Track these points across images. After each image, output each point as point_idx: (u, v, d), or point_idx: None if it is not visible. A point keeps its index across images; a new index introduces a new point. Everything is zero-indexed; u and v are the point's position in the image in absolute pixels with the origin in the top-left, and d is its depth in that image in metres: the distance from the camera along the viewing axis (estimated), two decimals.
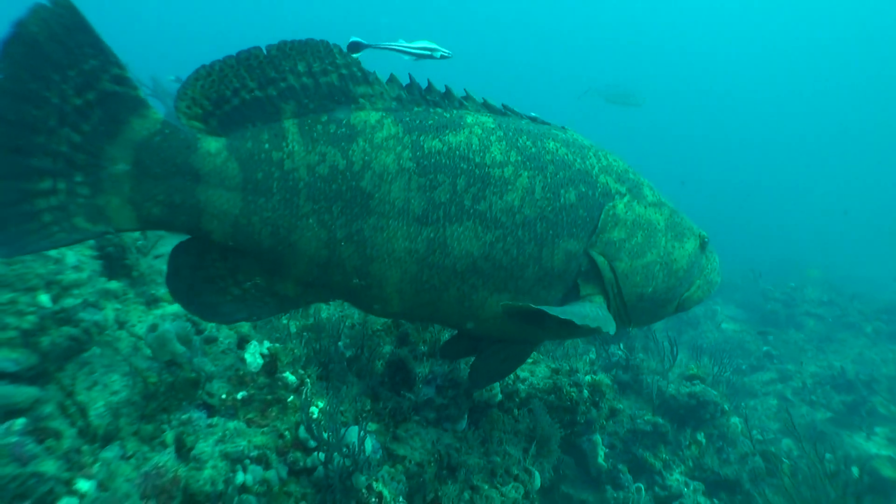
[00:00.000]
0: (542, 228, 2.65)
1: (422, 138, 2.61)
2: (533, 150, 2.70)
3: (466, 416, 3.39)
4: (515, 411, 3.77)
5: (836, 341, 11.89)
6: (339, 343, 3.41)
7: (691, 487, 5.22)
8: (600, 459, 4.86)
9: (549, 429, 3.65)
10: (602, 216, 2.73)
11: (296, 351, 2.84)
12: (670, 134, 66.89)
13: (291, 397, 2.69)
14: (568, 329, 2.64)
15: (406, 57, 6.34)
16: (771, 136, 69.99)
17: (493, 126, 2.71)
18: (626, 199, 2.80)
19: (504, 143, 2.67)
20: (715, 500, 5.16)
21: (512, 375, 4.28)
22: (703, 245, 3.01)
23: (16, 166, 2.25)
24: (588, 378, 4.29)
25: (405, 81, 2.72)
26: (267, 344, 2.83)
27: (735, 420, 7.29)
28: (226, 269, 2.65)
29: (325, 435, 2.53)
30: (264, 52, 2.49)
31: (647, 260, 2.80)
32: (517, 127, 2.76)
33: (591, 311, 2.60)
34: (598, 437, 4.88)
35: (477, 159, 2.62)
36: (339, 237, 2.56)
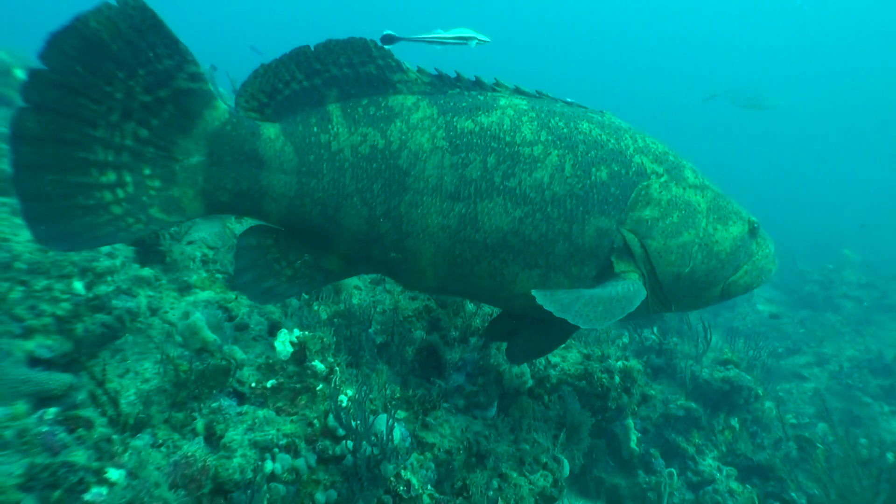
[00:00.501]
0: (571, 205, 2.71)
1: (455, 119, 2.74)
2: (565, 130, 2.77)
3: (496, 404, 3.38)
4: (546, 398, 3.75)
5: (875, 324, 11.64)
6: (370, 330, 3.41)
7: (724, 473, 5.17)
8: (633, 444, 4.82)
9: (579, 416, 3.63)
10: (634, 194, 2.77)
11: (325, 339, 2.83)
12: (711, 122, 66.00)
13: (321, 385, 2.69)
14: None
15: (438, 47, 6.30)
16: (809, 118, 68.53)
17: (525, 108, 2.80)
18: (662, 180, 2.82)
19: (535, 123, 2.76)
20: (748, 486, 5.09)
21: (543, 360, 4.27)
22: (752, 231, 2.96)
23: (68, 159, 2.31)
24: (619, 364, 4.25)
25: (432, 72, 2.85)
26: (297, 332, 2.83)
27: (769, 405, 7.20)
28: (279, 251, 2.81)
29: (354, 423, 2.53)
30: (311, 49, 2.68)
31: (684, 240, 2.79)
32: (550, 109, 2.84)
33: (617, 290, 2.65)
34: (630, 422, 4.85)
35: (507, 138, 2.72)
36: (379, 213, 2.70)
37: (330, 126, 2.73)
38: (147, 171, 2.46)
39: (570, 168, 2.72)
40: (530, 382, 3.75)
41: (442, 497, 2.70)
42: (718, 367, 5.84)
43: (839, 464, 5.04)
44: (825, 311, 12.09)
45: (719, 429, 5.57)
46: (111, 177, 2.39)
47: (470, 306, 4.22)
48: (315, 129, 2.73)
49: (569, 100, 2.98)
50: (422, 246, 2.74)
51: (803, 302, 12.80)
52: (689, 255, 2.80)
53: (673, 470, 5.02)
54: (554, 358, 4.34)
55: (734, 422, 5.66)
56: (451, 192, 2.69)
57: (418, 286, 2.96)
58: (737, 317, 11.43)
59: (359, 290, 4.18)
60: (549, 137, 2.74)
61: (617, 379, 4.17)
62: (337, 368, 2.82)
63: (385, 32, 5.55)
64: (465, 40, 6.05)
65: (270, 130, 2.70)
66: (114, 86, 2.36)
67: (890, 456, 6.13)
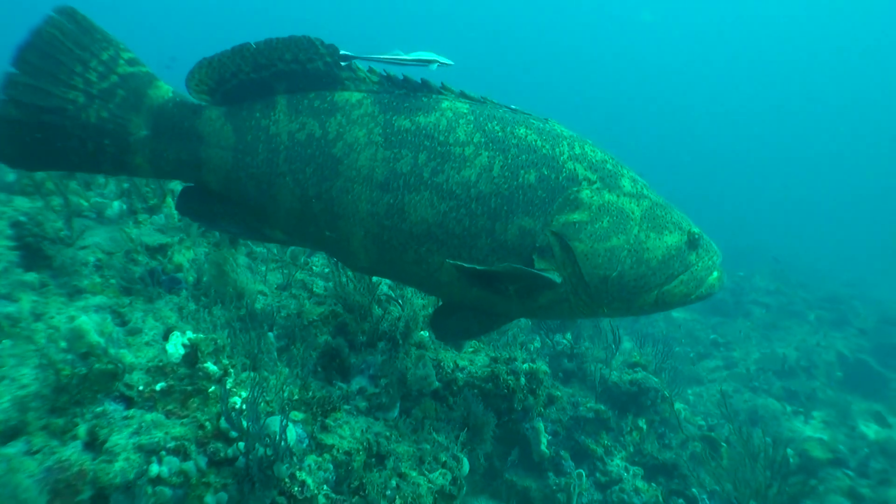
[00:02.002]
0: (496, 203, 2.88)
1: (394, 117, 2.99)
2: (500, 134, 2.95)
3: (398, 405, 3.39)
4: (450, 399, 3.78)
5: (782, 328, 12.18)
6: (270, 334, 3.37)
7: (631, 472, 5.29)
8: (543, 447, 4.89)
9: (482, 417, 3.67)
10: (562, 198, 2.90)
11: (219, 341, 2.80)
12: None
13: (213, 388, 2.65)
14: (524, 297, 2.95)
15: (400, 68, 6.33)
16: (730, 128, 71.23)
17: (465, 111, 3.01)
18: (595, 186, 2.94)
19: (472, 126, 2.96)
20: (653, 484, 5.24)
21: (451, 364, 4.30)
22: (692, 242, 3.03)
23: (57, 134, 2.98)
24: (526, 366, 4.32)
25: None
26: (190, 334, 2.78)
27: (678, 406, 7.43)
28: (224, 211, 3.22)
29: (247, 425, 2.51)
30: (252, 45, 3.02)
31: (612, 244, 2.89)
32: (490, 114, 3.03)
33: (526, 269, 2.81)
34: (540, 425, 4.92)
35: (441, 138, 2.93)
36: (311, 195, 3.00)
37: (272, 113, 3.06)
38: (107, 142, 3.04)
39: (498, 169, 2.89)
40: (436, 384, 3.77)
41: (338, 497, 2.69)
42: (627, 370, 5.99)
43: (738, 460, 5.25)
44: (736, 318, 12.57)
45: (627, 430, 5.71)
46: (76, 142, 3.01)
47: (377, 311, 4.23)
48: (258, 114, 3.08)
49: (513, 107, 3.13)
50: (352, 229, 3.00)
51: (716, 309, 13.28)
52: (616, 259, 2.89)
53: (582, 471, 5.11)
54: (462, 361, 4.38)
55: (642, 423, 5.81)
56: (381, 182, 2.92)
57: (354, 267, 3.27)
58: (651, 323, 11.76)
59: (264, 295, 4.14)
60: (483, 140, 2.93)
61: (523, 380, 4.24)
62: (231, 370, 2.79)
63: (341, 52, 5.61)
64: (425, 63, 6.11)
65: (213, 112, 3.11)
66: (74, 79, 2.95)
67: (789, 451, 6.43)
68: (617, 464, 5.37)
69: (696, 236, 3.06)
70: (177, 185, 4.52)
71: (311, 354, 3.53)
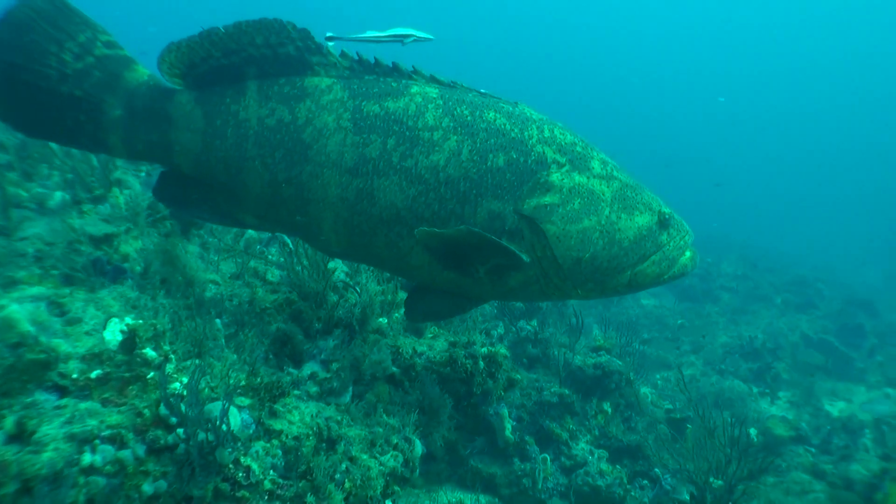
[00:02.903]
0: (464, 187, 2.90)
1: (363, 103, 3.00)
2: (469, 118, 2.97)
3: (351, 390, 3.34)
4: (406, 383, 3.74)
5: (749, 313, 12.31)
6: (217, 320, 3.31)
7: (596, 455, 5.29)
8: (507, 433, 4.87)
9: (438, 399, 3.63)
10: (532, 181, 2.91)
11: (159, 326, 2.72)
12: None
13: (152, 374, 2.58)
14: (494, 279, 2.98)
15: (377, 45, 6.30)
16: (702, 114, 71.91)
17: (434, 96, 3.03)
18: (564, 169, 2.96)
19: (440, 110, 2.97)
20: (618, 466, 5.24)
21: (410, 349, 4.26)
22: (663, 222, 3.04)
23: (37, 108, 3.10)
24: (484, 350, 4.30)
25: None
26: (128, 319, 2.71)
27: (644, 390, 7.47)
28: (199, 196, 3.25)
29: (186, 410, 2.44)
30: (222, 29, 3.03)
31: (584, 226, 2.91)
32: (460, 98, 3.05)
33: (511, 245, 2.86)
34: (504, 411, 4.90)
35: (410, 123, 2.95)
36: (281, 179, 3.03)
37: (242, 98, 3.09)
38: (83, 118, 3.12)
39: (466, 153, 2.91)
40: (392, 369, 3.73)
41: (285, 482, 2.64)
42: (591, 354, 5.99)
43: (700, 441, 5.27)
44: (704, 303, 12.67)
45: (592, 413, 5.71)
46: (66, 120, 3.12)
47: (333, 297, 4.17)
48: (228, 99, 3.11)
49: (482, 90, 3.15)
50: (323, 213, 3.02)
51: (685, 294, 13.37)
52: (589, 240, 2.90)
53: (547, 455, 5.11)
54: (421, 347, 4.34)
55: (606, 406, 5.82)
56: (350, 167, 2.94)
57: (327, 251, 3.31)
58: (623, 310, 11.81)
59: (216, 284, 4.05)
60: (452, 124, 2.94)
61: (482, 364, 4.21)
62: (173, 356, 2.72)
63: (327, 34, 5.61)
64: (402, 38, 6.11)
65: (184, 96, 3.15)
66: (48, 58, 3.03)
67: (753, 431, 6.48)
68: (582, 447, 5.37)
69: (667, 216, 3.05)
70: (124, 175, 4.43)
71: (261, 341, 3.47)
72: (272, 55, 3.07)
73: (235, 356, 3.10)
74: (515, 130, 2.98)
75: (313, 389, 3.23)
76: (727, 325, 11.34)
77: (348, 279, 4.51)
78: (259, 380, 3.03)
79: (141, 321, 2.72)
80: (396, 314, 4.95)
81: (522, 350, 6.03)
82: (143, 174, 4.89)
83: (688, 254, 3.10)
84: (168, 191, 3.30)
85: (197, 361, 2.90)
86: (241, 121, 3.07)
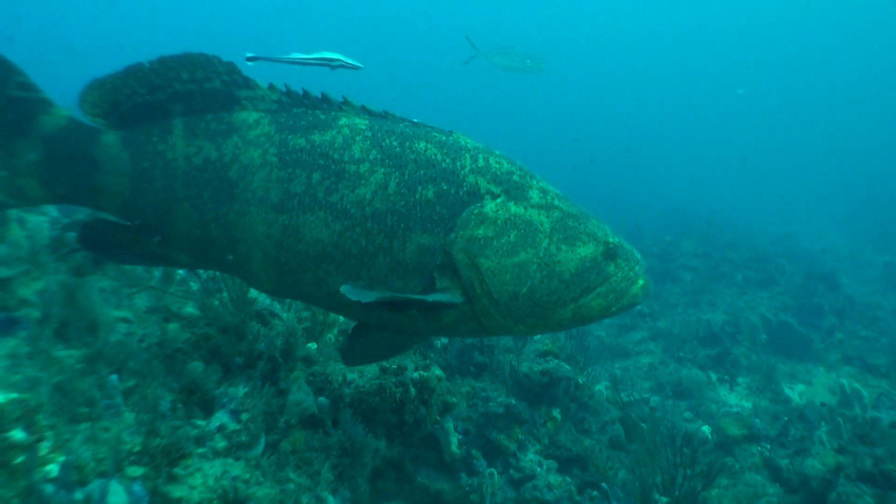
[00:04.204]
0: (392, 221, 2.79)
1: (290, 137, 2.92)
2: (398, 149, 2.87)
3: (263, 440, 3.16)
4: (328, 423, 3.57)
5: (709, 292, 12.29)
6: (113, 376, 3.09)
7: (544, 467, 5.18)
8: (453, 447, 4.75)
9: (361, 440, 3.46)
10: (465, 213, 2.79)
11: (32, 401, 2.51)
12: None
13: (22, 458, 2.37)
14: (427, 316, 2.86)
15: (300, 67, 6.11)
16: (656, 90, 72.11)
17: (363, 127, 2.93)
18: (499, 200, 2.83)
19: (368, 142, 2.88)
20: (566, 478, 5.13)
21: (340, 377, 4.10)
22: (609, 252, 2.86)
23: None
24: (416, 375, 4.13)
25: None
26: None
27: (600, 387, 7.39)
28: (127, 238, 3.12)
29: (62, 496, 2.24)
30: (146, 65, 2.94)
31: (521, 259, 2.77)
32: (390, 129, 2.95)
33: (431, 295, 2.74)
34: (450, 425, 4.77)
35: (336, 156, 2.85)
36: (209, 219, 2.94)
37: (170, 137, 2.97)
38: None
39: (394, 186, 2.80)
40: (313, 409, 3.55)
41: None
42: (538, 360, 5.86)
43: (656, 444, 5.17)
44: (664, 284, 12.63)
45: (541, 421, 5.59)
46: None
47: (255, 327, 3.98)
48: (155, 139, 2.99)
49: (415, 120, 3.06)
50: (251, 252, 2.93)
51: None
52: (526, 274, 2.76)
53: (494, 470, 4.98)
54: (351, 374, 4.17)
55: (556, 412, 5.70)
56: (275, 204, 2.84)
57: (260, 289, 3.20)
58: None
59: (127, 322, 3.83)
60: (379, 156, 2.85)
61: (413, 391, 4.05)
62: (50, 432, 2.51)
63: (248, 54, 5.41)
64: (327, 62, 5.94)
65: (110, 137, 3.02)
66: None
67: (706, 429, 6.42)
68: (531, 458, 5.26)
69: (614, 246, 2.88)
70: (25, 214, 4.17)
71: (170, 389, 3.27)
72: (199, 90, 2.98)
73: (133, 415, 2.90)
74: (447, 161, 2.87)
75: (221, 444, 3.04)
76: (685, 308, 11.29)
77: (273, 306, 4.31)
78: (158, 441, 2.83)
79: (15, 395, 2.50)
80: (329, 335, 4.77)
81: (469, 357, 5.88)
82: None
83: (640, 282, 2.90)
84: (93, 236, 3.16)
85: (87, 429, 2.70)
86: (169, 161, 2.97)
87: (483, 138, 3.18)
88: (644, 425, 6.23)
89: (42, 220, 4.36)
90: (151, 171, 2.98)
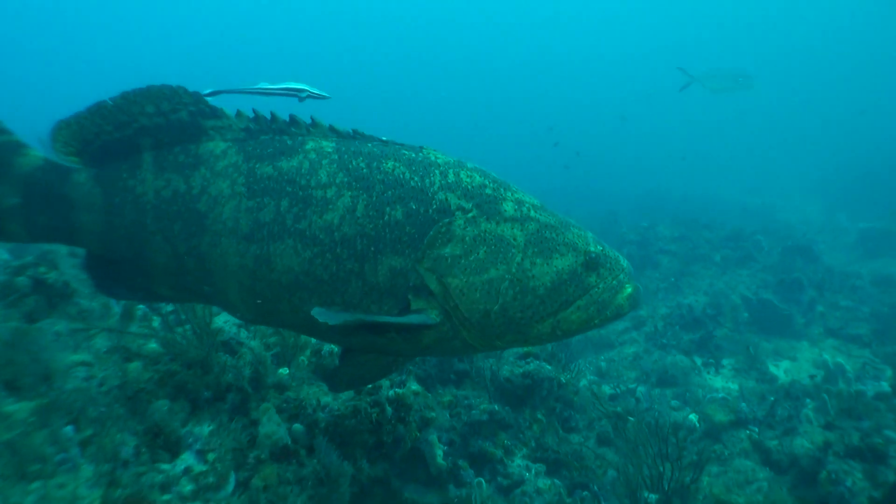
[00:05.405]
0: (362, 245, 2.73)
1: (257, 165, 2.88)
2: (365, 171, 2.82)
3: (233, 479, 3.04)
4: (302, 453, 3.46)
5: (689, 275, 12.26)
6: (68, 427, 2.96)
7: (533, 471, 5.10)
8: (439, 459, 4.66)
9: (336, 468, 3.36)
10: (433, 232, 2.73)
11: None
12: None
13: None
14: (407, 337, 2.80)
15: (267, 98, 6.02)
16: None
17: (330, 150, 2.89)
18: (470, 215, 2.77)
19: (335, 165, 2.83)
20: (555, 480, 5.05)
21: (314, 401, 4.00)
22: (589, 263, 2.75)
23: None
24: (391, 393, 4.03)
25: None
26: None
27: (584, 382, 7.32)
28: (112, 273, 3.13)
29: None
30: (110, 102, 2.93)
31: (491, 276, 2.70)
32: (357, 150, 2.89)
33: (405, 317, 2.70)
34: (433, 437, 4.67)
35: (302, 182, 2.81)
36: (182, 251, 2.92)
37: (139, 172, 2.96)
38: None
39: (362, 209, 2.75)
40: (285, 440, 3.44)
41: None
42: (519, 363, 5.78)
43: (643, 438, 5.10)
44: (645, 269, 12.59)
45: (526, 425, 5.51)
46: None
47: (222, 358, 3.86)
48: (125, 174, 2.98)
49: (384, 138, 3.00)
50: (226, 283, 2.91)
51: None
52: (496, 291, 2.69)
53: (482, 479, 4.90)
54: (326, 397, 4.06)
55: (540, 415, 5.63)
56: (246, 234, 2.81)
57: (242, 318, 3.18)
58: None
59: (87, 366, 3.68)
60: (346, 179, 2.80)
61: (389, 410, 3.95)
62: None
63: (206, 91, 5.35)
64: (295, 92, 5.86)
65: (82, 175, 3.02)
66: None
67: (693, 417, 6.37)
68: (518, 464, 5.18)
69: (595, 255, 2.78)
70: None
71: (133, 432, 3.14)
72: (165, 123, 2.96)
73: (92, 467, 2.78)
74: (416, 179, 2.81)
75: (188, 488, 2.92)
76: (665, 294, 11.26)
77: (241, 334, 4.19)
78: (119, 492, 2.72)
79: None
80: (302, 357, 4.66)
81: (449, 366, 5.79)
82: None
83: (626, 291, 2.78)
84: (91, 272, 3.19)
85: (41, 489, 2.57)
86: (139, 195, 2.96)
87: (458, 140, 3.09)
88: (632, 419, 6.16)
89: None
90: (122, 206, 2.97)
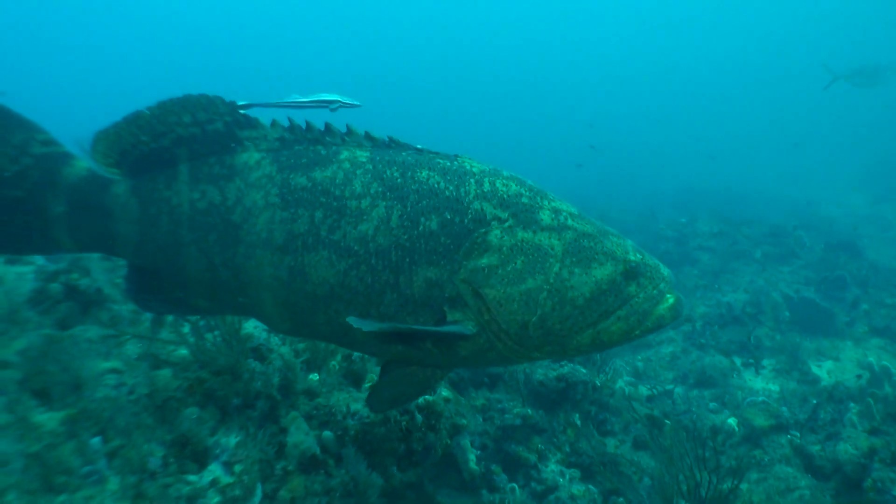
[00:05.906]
0: (396, 256, 2.70)
1: (291, 176, 2.87)
2: (399, 180, 2.78)
3: (259, 491, 3.01)
4: (331, 463, 3.42)
5: (729, 272, 12.02)
6: (94, 439, 2.96)
7: (567, 477, 5.02)
8: (472, 464, 4.62)
9: (365, 478, 3.32)
10: (468, 243, 2.68)
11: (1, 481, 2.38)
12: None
13: None
14: (443, 349, 2.76)
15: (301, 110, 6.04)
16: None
17: (364, 160, 2.86)
18: (506, 225, 2.71)
19: (369, 175, 2.80)
20: (590, 486, 4.95)
21: (344, 408, 3.96)
22: (629, 272, 2.66)
23: None
24: (421, 400, 3.98)
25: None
26: None
27: (621, 383, 7.19)
28: (152, 285, 3.16)
29: None
30: (147, 112, 2.94)
31: (528, 286, 2.62)
32: (391, 159, 2.86)
33: (441, 327, 2.66)
34: (466, 442, 4.63)
35: (337, 192, 2.79)
36: (217, 263, 2.93)
37: (174, 183, 2.98)
38: (31, 219, 3.07)
39: (396, 219, 2.72)
40: (313, 450, 3.41)
41: None
42: (553, 366, 5.68)
43: (680, 442, 4.97)
44: (683, 266, 12.37)
45: (560, 429, 5.43)
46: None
47: (252, 365, 3.84)
48: (161, 185, 3.01)
49: (419, 146, 2.96)
50: (262, 294, 2.91)
51: (663, 261, 13.04)
52: (534, 302, 2.61)
53: (515, 485, 4.84)
54: (356, 404, 4.02)
55: (575, 418, 5.53)
56: (280, 245, 2.80)
57: (277, 329, 3.20)
58: None
59: (117, 373, 3.69)
60: (380, 189, 2.77)
61: (419, 418, 3.89)
62: None
63: (239, 102, 5.39)
64: (325, 104, 5.87)
65: (120, 186, 3.06)
66: None
67: (732, 421, 6.21)
68: (552, 469, 5.11)
69: (635, 264, 2.67)
70: (5, 268, 4.06)
71: (154, 449, 3.13)
72: (201, 133, 2.97)
73: (119, 479, 2.77)
74: (451, 188, 2.76)
75: (215, 501, 2.90)
76: (704, 292, 11.02)
77: (271, 340, 4.17)
78: None
79: None
80: (333, 362, 4.63)
81: (483, 368, 5.72)
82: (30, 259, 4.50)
83: (669, 301, 2.68)
84: (131, 285, 3.22)
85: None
86: (174, 206, 2.98)
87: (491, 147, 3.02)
88: (668, 422, 6.03)
89: (26, 271, 4.25)
90: (158, 217, 3.00)
